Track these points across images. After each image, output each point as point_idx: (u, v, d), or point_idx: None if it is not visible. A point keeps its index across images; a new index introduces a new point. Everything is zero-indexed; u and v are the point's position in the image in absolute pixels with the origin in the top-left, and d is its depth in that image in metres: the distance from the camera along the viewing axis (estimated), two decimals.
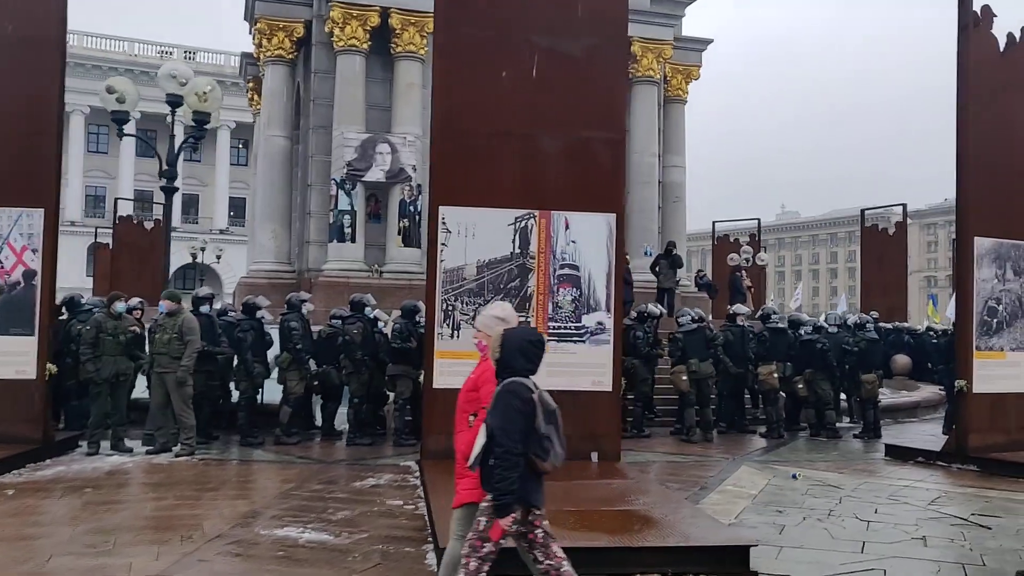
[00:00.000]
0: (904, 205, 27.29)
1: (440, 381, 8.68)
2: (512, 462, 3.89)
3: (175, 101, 11.24)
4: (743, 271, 22.01)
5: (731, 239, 29.42)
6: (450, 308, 8.91)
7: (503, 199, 9.02)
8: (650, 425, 13.15)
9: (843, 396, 14.34)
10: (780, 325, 13.17)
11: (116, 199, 32.47)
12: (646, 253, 19.48)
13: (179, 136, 14.79)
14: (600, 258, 9.16)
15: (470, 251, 8.97)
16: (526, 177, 9.08)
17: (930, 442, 11.73)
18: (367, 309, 11.83)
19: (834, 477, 9.64)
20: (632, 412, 12.60)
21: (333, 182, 18.31)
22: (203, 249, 36.78)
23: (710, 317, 16.73)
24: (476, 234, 8.97)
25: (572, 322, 9.05)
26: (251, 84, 24.41)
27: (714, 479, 9.36)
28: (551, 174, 9.13)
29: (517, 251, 9.01)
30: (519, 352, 4.10)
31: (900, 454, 11.13)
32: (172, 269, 50.09)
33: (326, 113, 18.86)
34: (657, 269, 18.16)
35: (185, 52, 57.23)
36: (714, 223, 30.99)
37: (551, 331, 8.90)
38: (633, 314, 13.04)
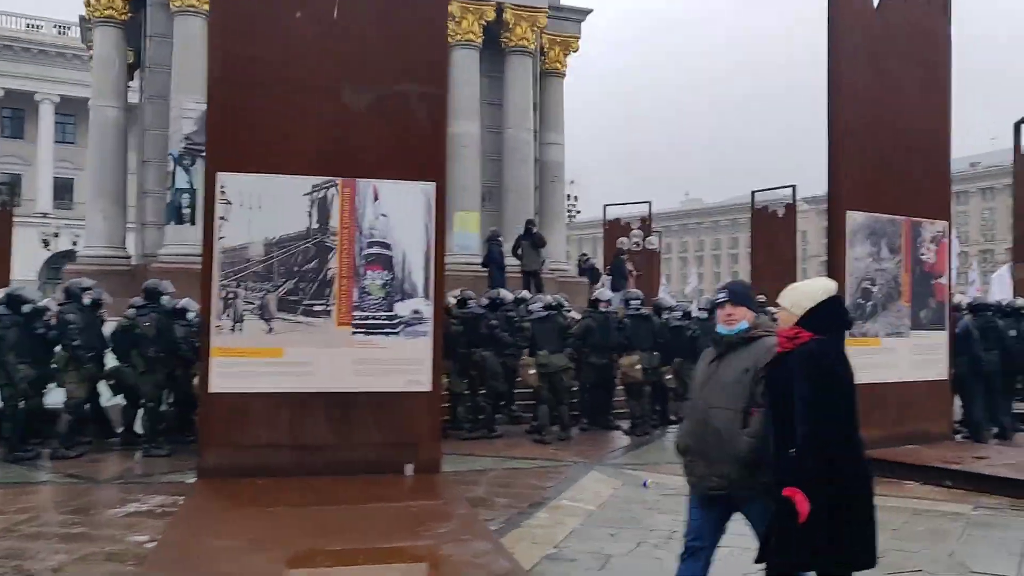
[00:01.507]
0: (793, 187, 26.75)
1: (218, 384, 7.16)
2: None
3: None
4: (627, 254, 21.00)
5: (622, 223, 28.53)
6: (231, 296, 7.33)
7: (297, 164, 7.45)
8: (510, 423, 11.92)
9: None
10: (643, 311, 11.94)
11: None
12: None
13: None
14: (417, 235, 7.69)
15: (256, 227, 7.39)
16: (326, 138, 7.53)
17: None
18: (165, 298, 10.19)
19: None
20: (483, 409, 11.30)
21: (171, 157, 16.46)
22: (56, 235, 33.98)
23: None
24: (263, 206, 7.38)
25: (383, 311, 7.58)
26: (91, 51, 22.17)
27: (553, 490, 8.07)
28: (357, 135, 7.61)
29: (315, 226, 7.47)
30: None
31: None
32: (46, 257, 47.22)
33: (164, 81, 16.96)
34: (519, 251, 16.81)
35: (56, 25, 53.48)
36: (605, 207, 30.03)
37: (357, 322, 7.47)
38: (484, 300, 11.71)
